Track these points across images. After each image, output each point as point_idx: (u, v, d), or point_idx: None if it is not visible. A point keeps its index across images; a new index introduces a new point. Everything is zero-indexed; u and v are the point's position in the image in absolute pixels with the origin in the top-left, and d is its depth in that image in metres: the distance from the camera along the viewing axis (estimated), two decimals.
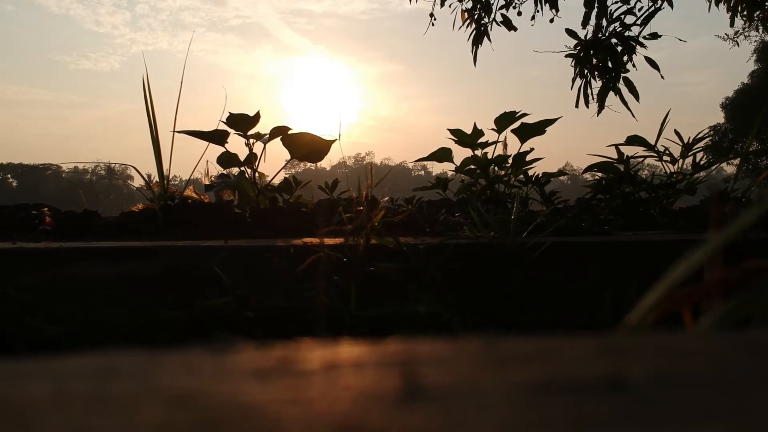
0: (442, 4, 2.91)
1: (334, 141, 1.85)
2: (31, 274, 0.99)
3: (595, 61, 2.36)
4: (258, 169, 1.94)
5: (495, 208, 1.62)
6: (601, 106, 2.52)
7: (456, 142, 2.20)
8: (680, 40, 2.54)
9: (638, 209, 1.72)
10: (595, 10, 2.37)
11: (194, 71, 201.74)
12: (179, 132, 1.87)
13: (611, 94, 2.48)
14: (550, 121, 2.16)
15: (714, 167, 2.14)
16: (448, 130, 2.15)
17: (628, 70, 2.39)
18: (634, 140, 1.99)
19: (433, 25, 3.09)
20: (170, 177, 1.78)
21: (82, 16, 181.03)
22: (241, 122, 1.83)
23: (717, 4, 3.12)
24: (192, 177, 1.99)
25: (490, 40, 2.92)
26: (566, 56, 2.53)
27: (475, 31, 2.89)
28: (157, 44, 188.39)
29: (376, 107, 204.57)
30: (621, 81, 2.41)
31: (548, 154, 2.21)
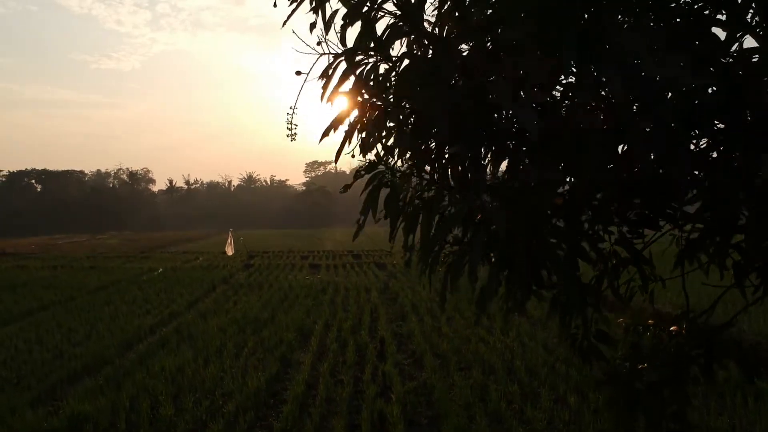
0: (476, 292, 2.73)
1: None
2: None
3: None
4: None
5: None
6: None
7: None
8: None
9: None
10: None
11: (214, 71, 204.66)
12: None
13: None
14: None
15: None
16: None
17: None
18: None
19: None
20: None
21: (104, 15, 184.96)
22: None
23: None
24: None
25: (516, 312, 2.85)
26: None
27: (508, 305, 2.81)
28: (177, 44, 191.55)
29: None
30: None
31: None
